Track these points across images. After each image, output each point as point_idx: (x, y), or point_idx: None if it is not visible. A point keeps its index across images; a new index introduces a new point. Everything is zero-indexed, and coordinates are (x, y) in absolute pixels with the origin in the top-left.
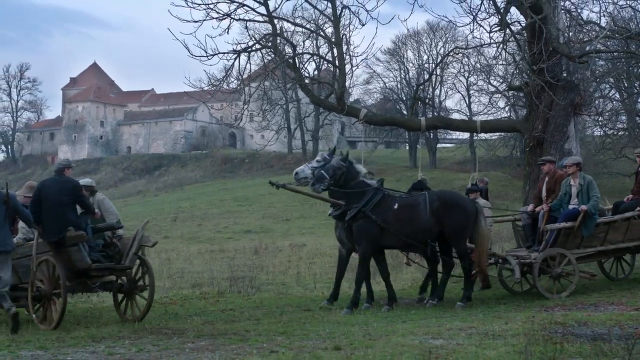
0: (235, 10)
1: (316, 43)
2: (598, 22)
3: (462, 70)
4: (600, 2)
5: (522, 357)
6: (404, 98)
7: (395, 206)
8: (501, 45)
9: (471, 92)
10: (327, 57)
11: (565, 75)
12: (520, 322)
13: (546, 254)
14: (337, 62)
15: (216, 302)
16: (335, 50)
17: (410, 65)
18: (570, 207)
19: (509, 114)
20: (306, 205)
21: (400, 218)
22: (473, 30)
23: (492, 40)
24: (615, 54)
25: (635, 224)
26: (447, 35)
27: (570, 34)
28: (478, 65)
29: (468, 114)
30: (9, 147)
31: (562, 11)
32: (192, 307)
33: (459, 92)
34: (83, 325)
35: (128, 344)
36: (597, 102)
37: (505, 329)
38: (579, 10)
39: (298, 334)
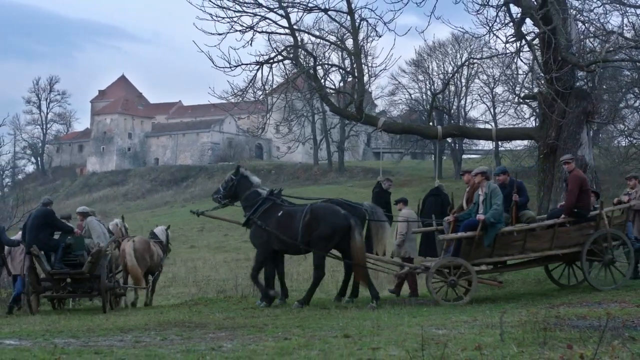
0: (258, 23)
1: (341, 55)
2: (620, 31)
3: (487, 80)
4: (622, 13)
5: (516, 342)
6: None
7: (280, 214)
8: (514, 55)
9: (495, 102)
10: (346, 68)
11: (589, 83)
12: (522, 316)
13: (440, 263)
14: (355, 72)
15: (238, 302)
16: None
17: (435, 76)
18: (478, 216)
19: (534, 123)
20: None
21: (280, 224)
22: (489, 40)
23: (507, 51)
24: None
25: (562, 231)
26: (471, 47)
27: (596, 44)
28: (503, 76)
29: (493, 124)
30: (39, 158)
31: (577, 21)
32: (215, 306)
33: (483, 102)
34: (112, 320)
35: (153, 334)
36: (622, 111)
37: (507, 321)
38: (601, 21)
39: (313, 327)
